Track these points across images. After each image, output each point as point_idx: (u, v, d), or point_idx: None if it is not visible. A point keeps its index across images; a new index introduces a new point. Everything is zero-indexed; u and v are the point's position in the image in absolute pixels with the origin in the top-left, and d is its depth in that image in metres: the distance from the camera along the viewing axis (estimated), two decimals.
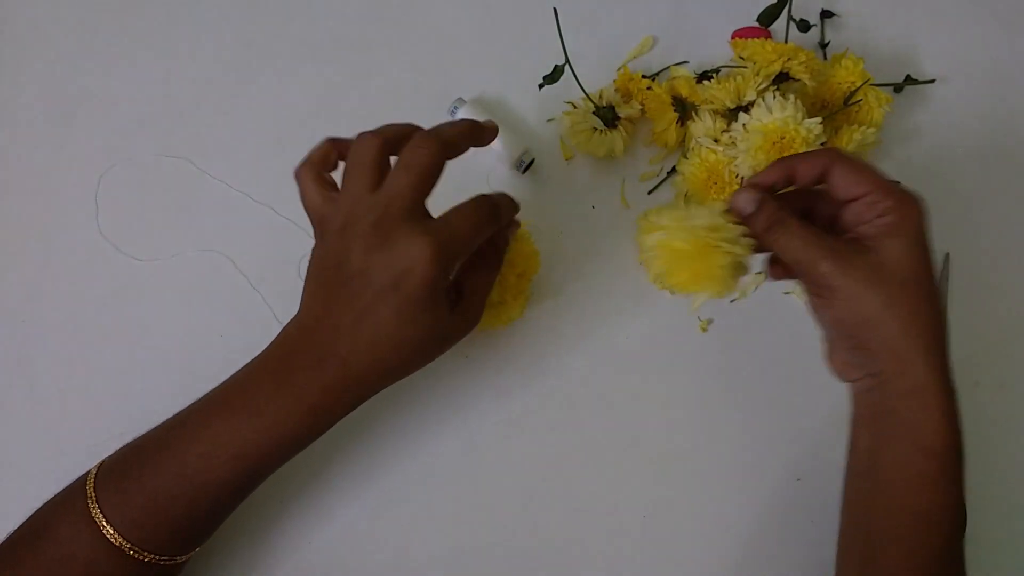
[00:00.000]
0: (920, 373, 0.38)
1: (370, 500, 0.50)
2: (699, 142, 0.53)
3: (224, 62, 0.62)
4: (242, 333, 0.53)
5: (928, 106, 0.60)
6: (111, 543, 0.39)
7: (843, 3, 0.63)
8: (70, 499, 0.40)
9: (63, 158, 0.59)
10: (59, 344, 0.54)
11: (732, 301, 0.54)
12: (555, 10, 0.53)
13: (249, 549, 0.48)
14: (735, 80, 0.52)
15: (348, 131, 0.44)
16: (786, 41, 0.56)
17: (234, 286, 0.55)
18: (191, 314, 0.54)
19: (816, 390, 0.50)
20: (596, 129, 0.56)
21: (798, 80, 0.52)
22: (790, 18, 0.57)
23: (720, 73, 0.56)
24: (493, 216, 0.43)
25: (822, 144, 0.49)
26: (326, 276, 0.41)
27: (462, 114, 0.58)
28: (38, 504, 0.42)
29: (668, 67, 0.60)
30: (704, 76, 0.57)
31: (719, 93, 0.52)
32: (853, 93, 0.54)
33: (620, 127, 0.56)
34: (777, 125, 0.49)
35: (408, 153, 0.41)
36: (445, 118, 0.58)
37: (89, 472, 0.41)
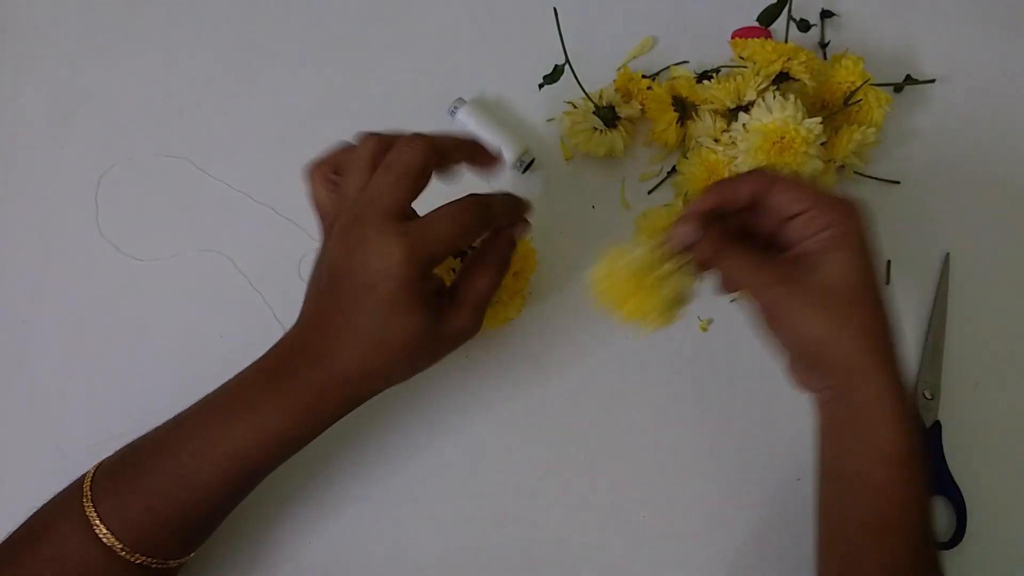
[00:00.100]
0: (873, 388, 0.39)
1: (370, 500, 0.50)
2: (699, 142, 0.54)
3: (224, 62, 0.62)
4: (242, 333, 0.53)
5: (928, 106, 0.60)
6: (103, 543, 0.38)
7: (843, 3, 0.63)
8: (68, 499, 0.40)
9: (63, 158, 0.59)
10: (59, 344, 0.54)
11: (732, 301, 0.54)
12: (555, 10, 0.53)
13: (249, 549, 0.48)
14: (735, 80, 0.52)
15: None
16: (786, 41, 0.56)
17: (234, 286, 0.55)
18: (191, 314, 0.54)
19: None
20: (596, 129, 0.56)
21: (798, 80, 0.52)
22: (790, 18, 0.57)
23: (720, 73, 0.55)
24: (483, 217, 0.42)
25: (822, 144, 0.49)
26: (319, 276, 0.42)
27: (462, 114, 0.58)
28: (38, 504, 0.41)
29: (668, 67, 0.60)
30: (704, 76, 0.57)
31: (719, 93, 0.52)
32: (853, 93, 0.54)
33: (620, 127, 0.56)
34: (777, 125, 0.49)
35: (393, 153, 0.41)
36: (445, 118, 0.59)
37: (88, 472, 0.41)
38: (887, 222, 0.56)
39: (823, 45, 0.61)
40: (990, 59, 0.62)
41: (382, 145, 0.42)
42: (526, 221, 0.47)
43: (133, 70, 0.61)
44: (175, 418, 0.42)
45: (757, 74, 0.52)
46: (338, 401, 0.41)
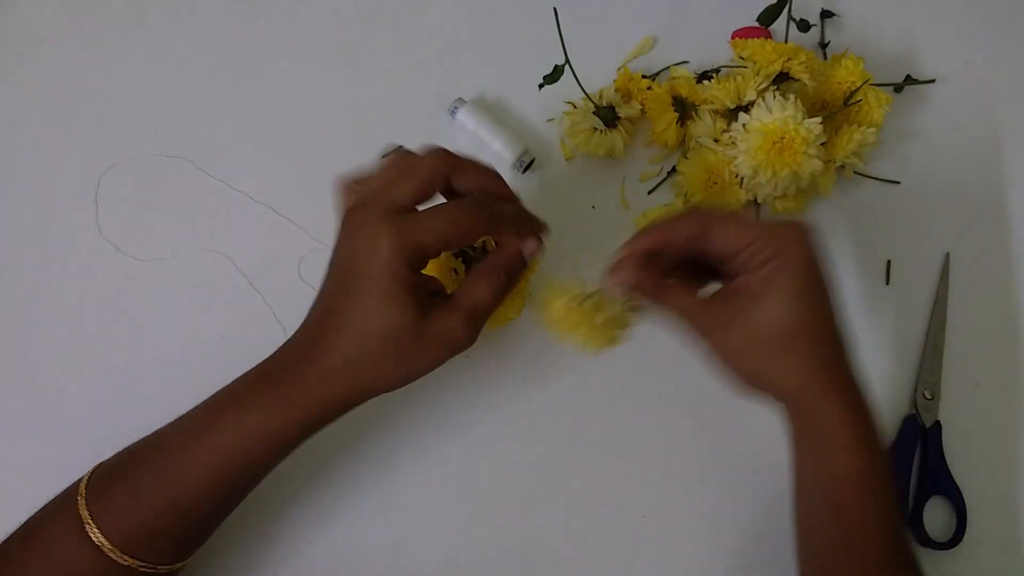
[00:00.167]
0: (821, 415, 0.39)
1: (370, 500, 0.50)
2: (699, 142, 0.54)
3: (224, 62, 0.62)
4: (242, 333, 0.53)
5: (928, 106, 0.60)
6: (94, 544, 0.38)
7: (843, 3, 0.63)
8: (65, 499, 0.40)
9: (63, 158, 0.59)
10: (59, 344, 0.53)
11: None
12: (555, 10, 0.53)
13: (249, 549, 0.48)
14: (735, 80, 0.52)
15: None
16: (786, 41, 0.56)
17: (234, 286, 0.55)
18: (191, 314, 0.54)
19: None
20: (596, 129, 0.56)
21: (798, 80, 0.52)
22: (790, 18, 0.57)
23: (720, 73, 0.55)
24: (481, 218, 0.41)
25: (822, 144, 0.49)
26: (327, 269, 0.42)
27: (462, 114, 0.58)
28: (38, 504, 0.42)
29: (668, 67, 0.60)
30: (704, 76, 0.57)
31: (719, 93, 0.52)
32: (853, 93, 0.54)
33: (620, 127, 0.56)
34: (777, 125, 0.49)
35: (409, 156, 0.42)
36: (445, 118, 0.59)
37: (86, 473, 0.41)
38: (887, 222, 0.57)
39: (823, 45, 0.61)
40: (990, 59, 0.62)
41: (407, 157, 0.42)
42: (539, 240, 0.44)
43: (133, 70, 0.61)
44: (174, 421, 0.42)
45: (757, 74, 0.52)
46: (322, 396, 0.40)
